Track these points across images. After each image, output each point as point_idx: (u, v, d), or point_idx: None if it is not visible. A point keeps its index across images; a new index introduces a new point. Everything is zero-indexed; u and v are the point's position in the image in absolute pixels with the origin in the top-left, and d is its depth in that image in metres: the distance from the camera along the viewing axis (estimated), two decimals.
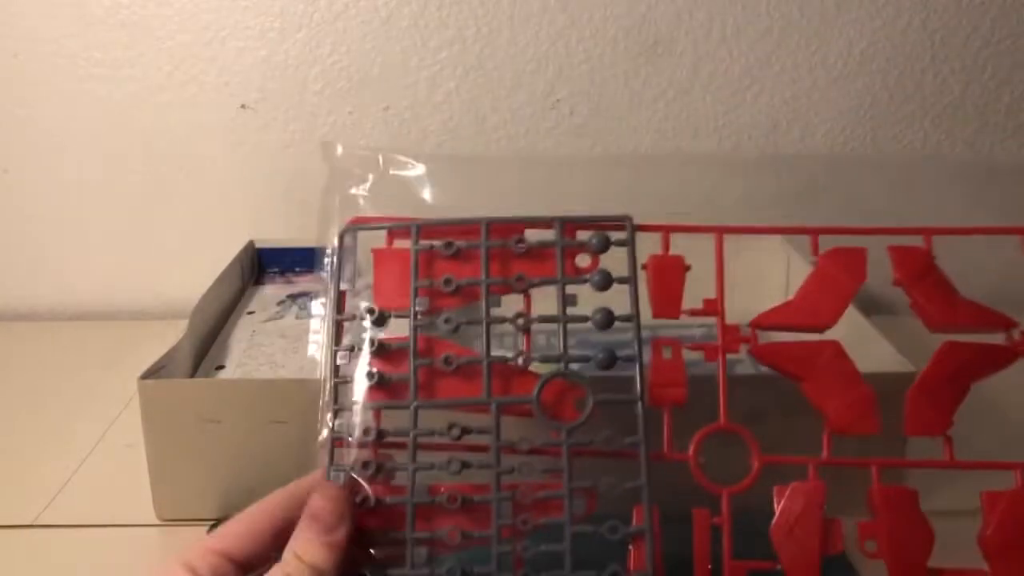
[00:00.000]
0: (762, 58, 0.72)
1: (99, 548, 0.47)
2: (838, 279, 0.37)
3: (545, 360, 0.36)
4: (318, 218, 0.40)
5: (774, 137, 0.73)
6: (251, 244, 0.71)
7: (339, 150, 0.42)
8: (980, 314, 0.37)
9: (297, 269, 0.71)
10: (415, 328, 0.37)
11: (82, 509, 0.50)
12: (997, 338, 0.37)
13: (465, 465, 0.35)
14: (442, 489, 0.35)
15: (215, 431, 0.46)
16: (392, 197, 0.41)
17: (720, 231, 0.37)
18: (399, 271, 0.37)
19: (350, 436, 0.36)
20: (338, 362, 0.37)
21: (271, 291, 0.69)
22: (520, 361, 0.36)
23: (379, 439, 0.36)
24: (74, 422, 0.59)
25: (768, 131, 0.73)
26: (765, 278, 0.64)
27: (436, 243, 0.38)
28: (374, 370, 0.36)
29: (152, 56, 0.71)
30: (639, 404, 0.35)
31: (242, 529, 0.34)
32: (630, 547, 0.34)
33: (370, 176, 0.42)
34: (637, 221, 0.37)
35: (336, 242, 0.39)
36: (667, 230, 0.37)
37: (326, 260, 0.39)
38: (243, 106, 0.72)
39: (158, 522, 0.48)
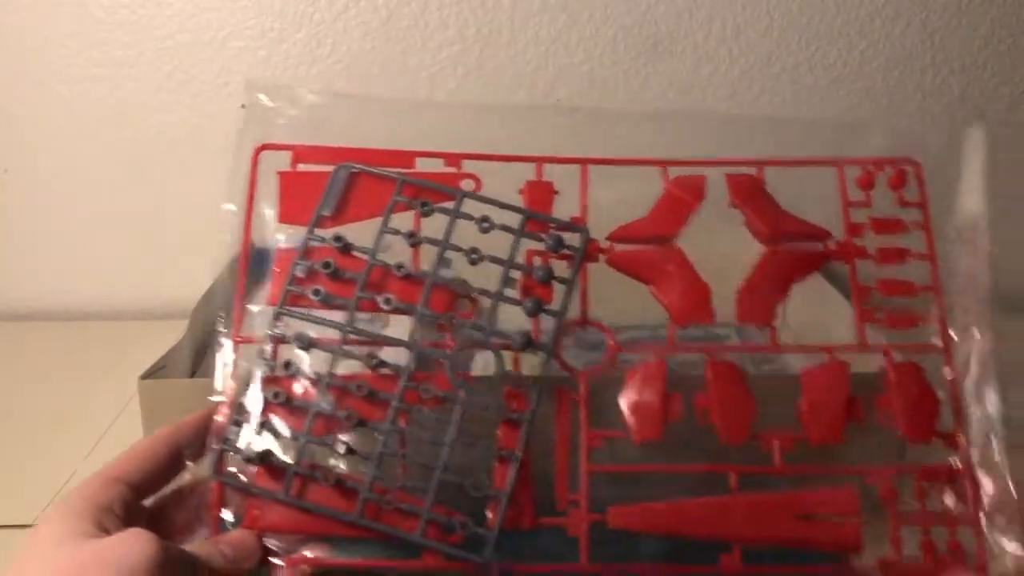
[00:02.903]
0: (762, 58, 0.72)
1: None
2: (682, 199, 0.43)
3: (474, 329, 0.40)
4: (235, 148, 0.44)
5: (774, 137, 0.73)
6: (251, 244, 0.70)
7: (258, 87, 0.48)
8: (801, 226, 0.43)
9: None
10: (371, 265, 0.40)
11: None
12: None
13: (372, 393, 0.38)
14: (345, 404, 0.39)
15: None
16: (307, 131, 0.46)
17: (584, 162, 0.44)
18: (305, 193, 0.43)
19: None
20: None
21: None
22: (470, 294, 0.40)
23: (309, 347, 0.40)
24: (74, 422, 0.59)
25: (768, 131, 0.73)
26: None
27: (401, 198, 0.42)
28: (322, 288, 0.40)
29: (152, 56, 0.71)
30: (537, 387, 0.39)
31: (138, 453, 0.37)
32: (487, 506, 0.38)
33: (288, 111, 0.46)
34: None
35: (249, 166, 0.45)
36: (540, 160, 0.44)
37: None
38: (243, 106, 0.72)
39: None
